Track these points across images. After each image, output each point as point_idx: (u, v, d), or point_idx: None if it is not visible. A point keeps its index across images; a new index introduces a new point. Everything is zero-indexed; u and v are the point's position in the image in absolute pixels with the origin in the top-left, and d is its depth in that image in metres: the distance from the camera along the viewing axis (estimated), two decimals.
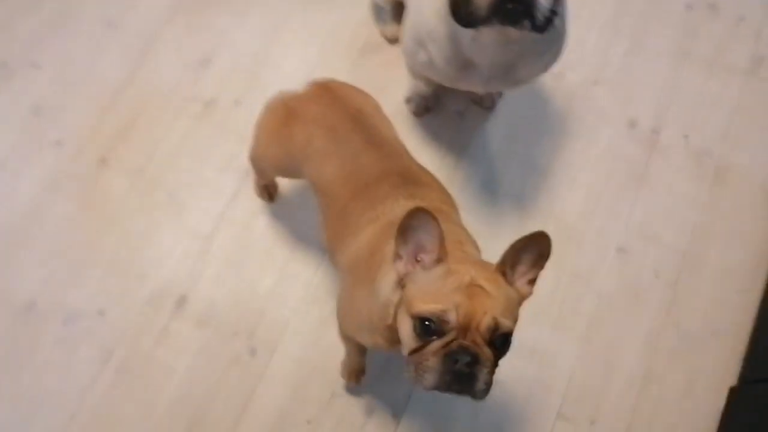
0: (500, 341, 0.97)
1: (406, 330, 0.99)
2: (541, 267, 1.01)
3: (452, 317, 0.94)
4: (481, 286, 0.96)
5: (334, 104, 1.30)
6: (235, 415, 1.55)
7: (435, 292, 0.96)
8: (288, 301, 1.65)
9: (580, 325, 1.68)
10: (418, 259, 1.00)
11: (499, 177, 1.79)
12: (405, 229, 0.98)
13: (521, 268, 1.01)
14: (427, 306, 0.96)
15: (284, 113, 1.33)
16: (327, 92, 1.33)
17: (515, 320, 1.00)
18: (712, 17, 1.99)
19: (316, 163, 1.28)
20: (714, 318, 1.71)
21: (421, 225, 0.97)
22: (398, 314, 1.02)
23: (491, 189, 1.78)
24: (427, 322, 0.96)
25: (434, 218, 0.96)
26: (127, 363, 1.57)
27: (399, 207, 1.18)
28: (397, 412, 1.57)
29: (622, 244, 1.76)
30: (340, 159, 1.25)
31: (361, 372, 1.56)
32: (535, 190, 1.79)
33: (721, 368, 1.66)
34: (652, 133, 1.86)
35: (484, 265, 1.02)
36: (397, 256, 1.00)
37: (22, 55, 1.79)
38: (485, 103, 1.82)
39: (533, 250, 0.99)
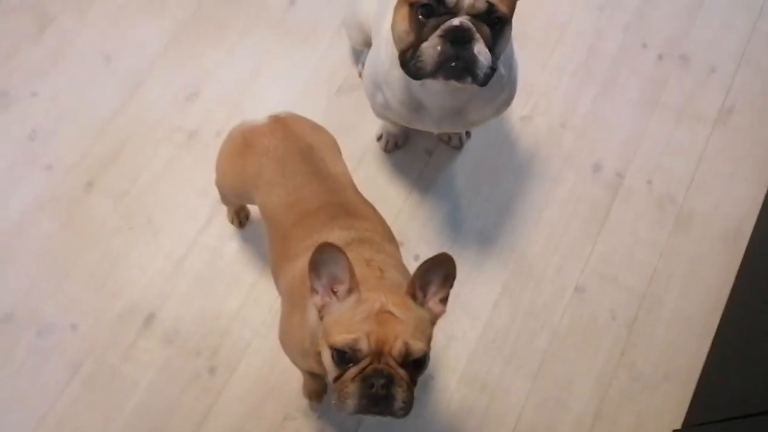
0: (414, 362, 1.03)
1: (327, 359, 1.05)
2: (450, 287, 1.07)
3: (364, 345, 1.01)
4: (390, 312, 1.02)
5: (287, 138, 1.39)
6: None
7: (347, 322, 1.03)
8: (250, 324, 1.72)
9: (533, 362, 1.72)
10: (335, 290, 1.06)
11: (463, 214, 1.86)
12: (316, 263, 1.04)
13: (432, 289, 1.07)
14: (340, 336, 1.02)
15: (241, 143, 1.43)
16: (282, 126, 1.41)
17: (428, 339, 1.06)
18: (683, 67, 2.05)
19: (265, 192, 1.36)
20: (667, 362, 1.73)
21: (331, 258, 1.03)
22: (321, 345, 1.08)
23: (454, 225, 1.84)
24: (342, 352, 1.02)
25: (341, 251, 1.02)
26: (94, 376, 1.66)
27: (333, 237, 1.25)
28: None
29: (580, 283, 1.80)
30: (286, 189, 1.33)
31: (322, 391, 1.61)
32: (497, 228, 1.85)
33: (671, 412, 1.67)
34: (617, 176, 1.91)
35: (395, 289, 1.08)
36: (313, 291, 1.07)
37: (22, 83, 1.93)
38: (453, 143, 1.90)
39: (439, 272, 1.05)
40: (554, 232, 1.85)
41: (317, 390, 1.59)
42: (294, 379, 1.66)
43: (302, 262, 1.25)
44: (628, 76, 2.02)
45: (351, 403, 1.02)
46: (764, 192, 1.87)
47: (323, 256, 1.04)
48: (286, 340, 1.31)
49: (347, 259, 1.04)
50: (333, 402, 1.06)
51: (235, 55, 2.03)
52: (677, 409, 1.67)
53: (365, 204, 1.38)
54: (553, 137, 1.95)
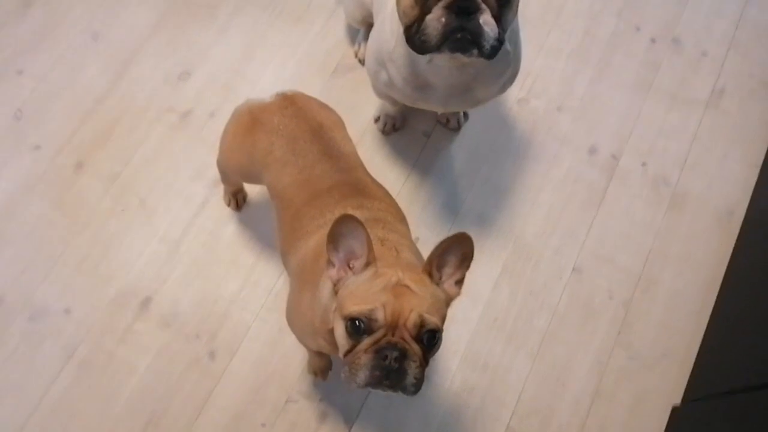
0: (428, 337, 1.02)
1: (340, 332, 1.04)
2: (467, 268, 1.07)
3: (380, 315, 1.00)
4: (407, 286, 1.01)
5: (297, 116, 1.37)
6: (192, 415, 1.60)
7: (364, 293, 1.02)
8: (250, 307, 1.70)
9: (533, 341, 1.73)
10: (351, 265, 1.05)
11: (462, 196, 1.86)
12: (335, 236, 1.03)
13: (447, 270, 1.06)
14: (356, 306, 1.01)
15: (249, 121, 1.40)
16: (291, 104, 1.39)
17: (443, 318, 1.05)
18: (676, 51, 2.07)
19: (275, 170, 1.34)
20: (664, 339, 1.75)
21: (350, 231, 1.02)
22: (334, 319, 1.07)
23: (453, 207, 1.84)
24: (357, 322, 1.01)
25: (361, 224, 1.01)
26: (90, 360, 1.62)
27: None
28: (349, 420, 1.62)
29: (578, 264, 1.81)
30: (297, 168, 1.31)
31: (327, 368, 1.60)
32: (495, 209, 1.85)
33: (669, 389, 1.70)
34: (612, 159, 1.92)
35: (411, 267, 1.07)
36: (330, 263, 1.06)
37: (7, 61, 1.87)
38: (451, 125, 1.89)
39: (457, 252, 1.04)
40: (552, 213, 1.86)
41: (322, 367, 1.58)
42: (295, 361, 1.65)
43: (315, 240, 1.24)
44: (622, 59, 2.04)
45: (362, 374, 1.01)
46: (756, 172, 1.91)
47: (343, 229, 1.03)
48: (295, 318, 1.29)
49: (366, 232, 1.02)
50: (343, 375, 1.04)
51: (227, 34, 1.99)
52: (675, 387, 1.69)
53: (376, 184, 1.36)
54: (550, 120, 1.95)
